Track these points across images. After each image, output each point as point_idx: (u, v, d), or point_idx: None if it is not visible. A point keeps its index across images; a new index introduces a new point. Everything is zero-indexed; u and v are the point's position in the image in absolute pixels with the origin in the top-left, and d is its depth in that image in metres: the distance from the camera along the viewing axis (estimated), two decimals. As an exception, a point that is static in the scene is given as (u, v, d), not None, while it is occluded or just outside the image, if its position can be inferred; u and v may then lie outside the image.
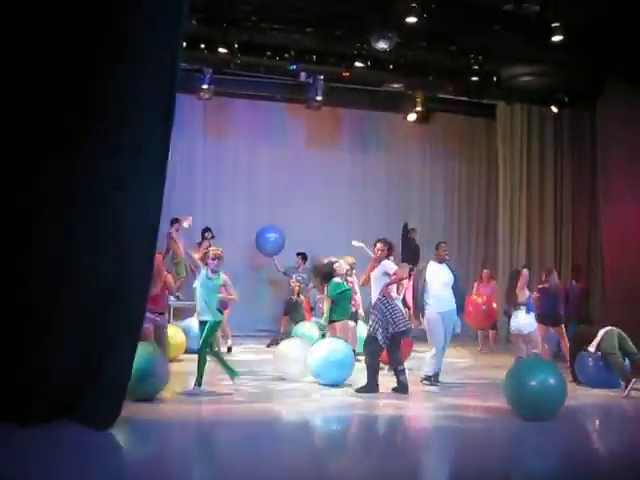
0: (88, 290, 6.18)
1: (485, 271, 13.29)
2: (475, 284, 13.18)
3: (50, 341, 6.09)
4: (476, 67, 12.48)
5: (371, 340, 8.36)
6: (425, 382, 8.83)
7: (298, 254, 12.32)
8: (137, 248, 6.26)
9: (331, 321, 9.23)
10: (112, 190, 6.15)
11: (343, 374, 8.63)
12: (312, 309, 11.28)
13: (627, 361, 8.72)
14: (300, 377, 8.85)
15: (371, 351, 8.35)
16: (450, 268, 9.24)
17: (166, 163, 6.26)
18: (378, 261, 8.71)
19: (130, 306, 6.28)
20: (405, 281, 9.64)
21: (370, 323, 8.47)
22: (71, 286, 6.15)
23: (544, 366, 7.46)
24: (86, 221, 6.16)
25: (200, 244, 11.53)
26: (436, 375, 8.87)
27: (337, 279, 9.39)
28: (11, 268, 6.06)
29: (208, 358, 8.00)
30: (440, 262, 9.20)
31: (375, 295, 8.60)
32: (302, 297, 10.67)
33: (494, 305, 12.52)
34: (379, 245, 8.80)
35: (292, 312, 11.16)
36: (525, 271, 9.70)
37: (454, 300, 8.99)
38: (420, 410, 8.06)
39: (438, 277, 9.02)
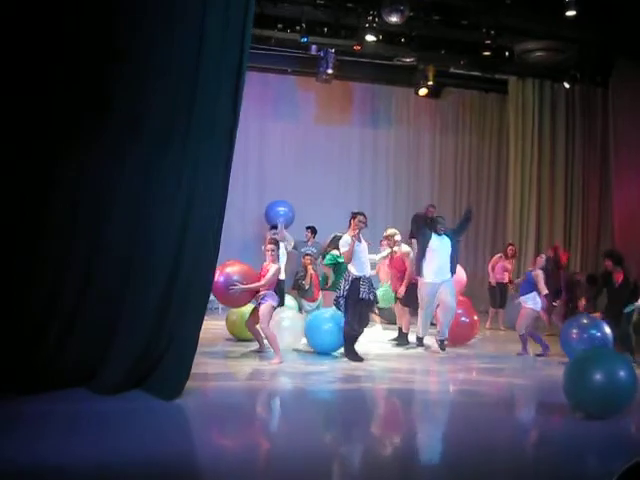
0: (157, 264, 6.55)
1: (511, 247, 13.04)
2: (497, 257, 12.94)
3: (123, 314, 6.54)
4: (488, 42, 12.38)
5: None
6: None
7: (307, 228, 12.31)
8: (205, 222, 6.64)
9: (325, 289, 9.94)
10: (177, 188, 6.57)
11: (336, 342, 9.02)
12: (321, 286, 11.29)
13: None
14: (293, 345, 9.38)
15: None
16: (450, 238, 9.73)
17: (230, 165, 6.66)
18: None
19: (197, 283, 6.60)
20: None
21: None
22: (141, 265, 6.58)
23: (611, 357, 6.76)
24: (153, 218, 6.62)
25: None
26: (420, 339, 9.90)
27: (335, 251, 9.94)
28: (89, 264, 6.52)
29: None
30: (438, 234, 9.70)
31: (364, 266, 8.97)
32: (312, 271, 10.68)
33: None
34: (361, 217, 9.01)
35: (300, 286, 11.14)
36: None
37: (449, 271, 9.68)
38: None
39: (435, 249, 9.64)
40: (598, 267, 14.80)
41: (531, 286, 9.67)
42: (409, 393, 7.61)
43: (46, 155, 6.36)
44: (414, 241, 10.67)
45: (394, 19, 10.93)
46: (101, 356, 6.51)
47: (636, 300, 9.13)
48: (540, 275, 9.65)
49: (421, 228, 10.00)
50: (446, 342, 9.72)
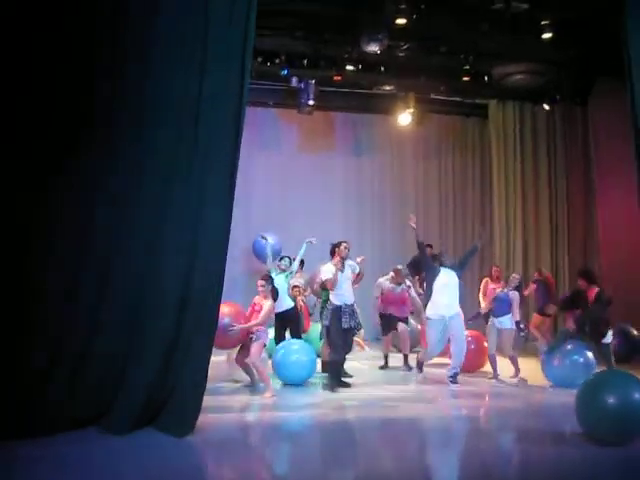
0: (166, 299, 6.62)
1: (495, 269, 13.06)
2: (484, 282, 12.97)
3: (131, 354, 6.58)
4: (467, 67, 12.51)
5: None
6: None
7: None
8: (212, 256, 6.71)
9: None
10: (184, 222, 6.73)
11: (304, 374, 9.05)
12: (311, 314, 11.22)
13: None
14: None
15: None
16: (456, 272, 9.58)
17: (232, 197, 6.84)
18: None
19: (205, 316, 6.65)
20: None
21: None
22: (150, 296, 6.65)
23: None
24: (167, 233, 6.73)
25: None
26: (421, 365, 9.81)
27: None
28: (98, 298, 6.56)
29: None
30: (445, 267, 9.57)
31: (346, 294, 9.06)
32: (301, 303, 10.60)
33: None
34: (345, 244, 9.19)
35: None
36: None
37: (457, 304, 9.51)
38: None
39: (444, 283, 9.45)
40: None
41: (508, 306, 9.64)
42: (408, 421, 7.50)
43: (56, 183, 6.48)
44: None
45: (373, 48, 10.99)
46: (112, 395, 6.52)
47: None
48: (517, 297, 9.69)
49: (428, 263, 9.87)
50: (458, 375, 9.43)
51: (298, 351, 9.05)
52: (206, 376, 6.62)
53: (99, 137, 6.64)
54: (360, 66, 12.33)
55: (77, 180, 6.58)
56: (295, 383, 9.02)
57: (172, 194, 6.74)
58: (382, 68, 12.67)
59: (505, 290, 9.86)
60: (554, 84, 13.57)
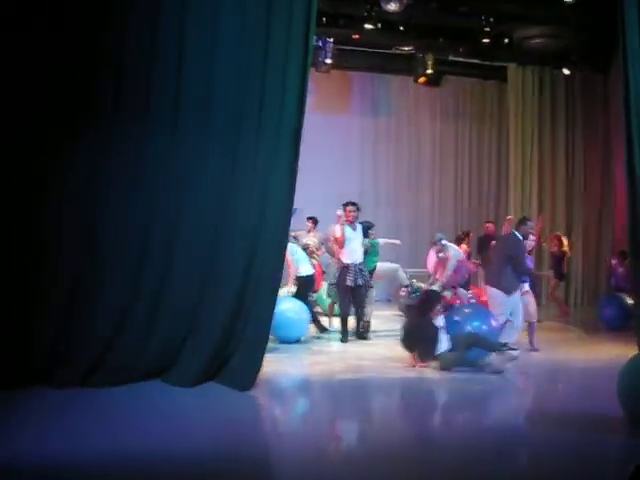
0: (232, 263, 6.92)
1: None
2: None
3: (198, 313, 6.93)
4: (487, 29, 12.34)
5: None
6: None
7: (309, 218, 12.29)
8: (276, 230, 7.02)
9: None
10: (250, 191, 6.99)
11: (296, 333, 9.29)
12: (324, 273, 11.28)
13: None
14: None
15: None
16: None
17: (297, 165, 7.05)
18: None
19: (267, 280, 6.93)
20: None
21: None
22: (219, 265, 6.97)
23: None
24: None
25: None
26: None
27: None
28: (167, 263, 6.91)
29: None
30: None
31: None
32: (315, 261, 10.65)
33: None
34: (351, 207, 9.41)
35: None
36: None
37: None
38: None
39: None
40: (599, 251, 14.90)
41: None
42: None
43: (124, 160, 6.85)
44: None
45: (392, 7, 10.87)
46: (179, 349, 6.87)
47: None
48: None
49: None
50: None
51: (291, 310, 9.18)
52: (268, 334, 7.04)
53: (166, 121, 6.89)
54: (379, 25, 12.18)
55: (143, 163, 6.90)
56: (289, 341, 9.16)
57: (236, 176, 7.01)
58: (401, 28, 12.55)
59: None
60: (575, 49, 13.39)
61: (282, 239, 7.11)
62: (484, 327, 8.17)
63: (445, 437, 5.74)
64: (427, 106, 15.77)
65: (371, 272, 10.09)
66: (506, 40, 12.91)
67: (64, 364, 6.46)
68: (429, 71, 14.23)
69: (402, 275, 11.52)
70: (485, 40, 12.78)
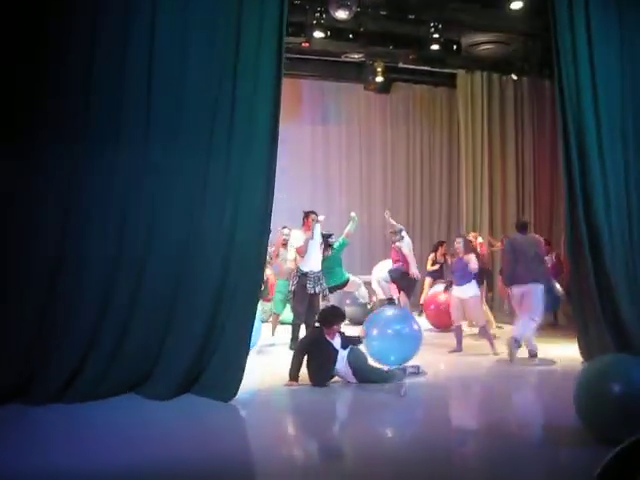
0: (209, 264, 6.96)
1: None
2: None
3: (176, 315, 6.91)
4: (436, 36, 12.38)
5: None
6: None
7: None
8: (254, 223, 7.04)
9: None
10: (224, 194, 7.06)
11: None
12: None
13: None
14: None
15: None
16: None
17: (274, 170, 7.13)
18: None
19: (246, 283, 6.95)
20: None
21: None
22: (192, 268, 6.99)
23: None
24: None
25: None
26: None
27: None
28: (141, 268, 6.89)
29: None
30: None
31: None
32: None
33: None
34: (313, 216, 9.44)
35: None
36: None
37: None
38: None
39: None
40: (551, 250, 14.99)
41: (467, 273, 9.29)
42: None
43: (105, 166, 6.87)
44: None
45: (342, 15, 10.85)
46: (154, 361, 6.81)
47: None
48: (472, 257, 9.37)
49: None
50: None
51: None
52: (249, 341, 6.95)
53: (140, 113, 6.98)
54: (329, 33, 12.14)
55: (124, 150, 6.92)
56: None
57: (211, 165, 7.08)
58: (351, 35, 12.51)
59: (459, 257, 9.48)
60: (522, 55, 13.54)
61: (260, 244, 7.06)
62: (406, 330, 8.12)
63: (394, 452, 5.47)
64: (378, 113, 15.80)
65: (343, 284, 10.13)
66: (455, 47, 12.97)
67: (38, 381, 6.38)
68: (379, 78, 14.26)
69: (363, 291, 11.57)
70: (434, 47, 12.83)
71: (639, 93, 8.95)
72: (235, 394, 6.62)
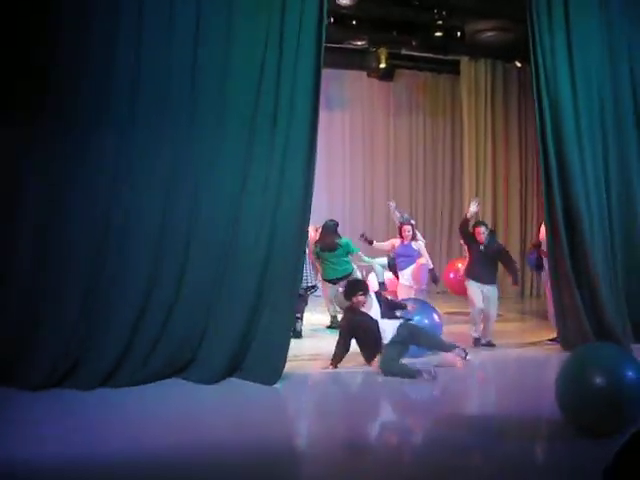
0: (251, 257, 7.06)
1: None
2: None
3: (221, 301, 7.05)
4: (440, 22, 12.34)
5: None
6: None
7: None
8: (295, 215, 7.17)
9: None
10: (267, 179, 7.16)
11: None
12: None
13: None
14: None
15: None
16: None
17: (315, 155, 7.24)
18: None
19: (288, 272, 7.06)
20: None
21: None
22: (236, 253, 7.11)
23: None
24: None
25: None
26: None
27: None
28: (186, 253, 7.03)
29: None
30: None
31: None
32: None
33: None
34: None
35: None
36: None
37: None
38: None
39: None
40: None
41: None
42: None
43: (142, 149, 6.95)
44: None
45: (345, 2, 10.81)
46: (198, 345, 6.94)
47: None
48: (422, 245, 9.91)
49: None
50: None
51: None
52: (291, 324, 7.22)
53: (183, 96, 7.08)
54: (332, 19, 12.07)
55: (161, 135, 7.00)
56: None
57: (254, 154, 7.18)
58: (354, 22, 12.45)
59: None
60: (526, 42, 13.43)
61: (301, 230, 7.18)
62: (426, 321, 8.18)
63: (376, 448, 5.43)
64: (381, 100, 15.74)
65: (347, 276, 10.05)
66: (458, 34, 12.90)
67: (83, 365, 6.48)
68: (382, 65, 14.21)
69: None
70: (438, 34, 12.79)
71: (619, 77, 9.01)
72: (279, 378, 6.75)
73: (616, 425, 4.86)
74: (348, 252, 10.22)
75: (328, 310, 10.58)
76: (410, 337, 7.50)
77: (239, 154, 7.17)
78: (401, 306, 8.05)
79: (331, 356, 7.52)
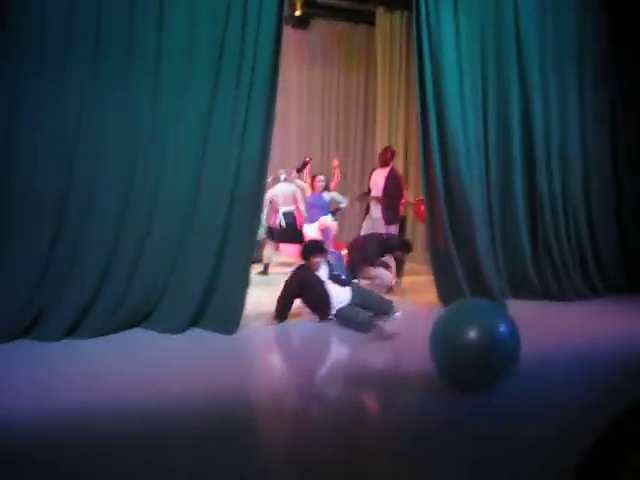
0: (214, 208, 7.28)
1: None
2: None
3: (184, 259, 7.26)
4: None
5: None
6: None
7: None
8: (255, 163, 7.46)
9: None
10: (230, 137, 7.41)
11: None
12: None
13: None
14: None
15: None
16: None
17: (273, 109, 7.66)
18: None
19: (247, 219, 7.30)
20: None
21: None
22: (200, 208, 7.33)
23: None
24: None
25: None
26: None
27: None
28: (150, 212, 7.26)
29: None
30: None
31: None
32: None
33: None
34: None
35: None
36: None
37: None
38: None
39: None
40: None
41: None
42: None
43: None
44: None
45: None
46: (160, 296, 7.17)
47: None
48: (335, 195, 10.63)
49: None
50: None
51: None
52: (248, 273, 7.28)
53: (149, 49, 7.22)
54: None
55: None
56: None
57: (216, 109, 7.43)
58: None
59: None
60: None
61: (259, 185, 7.38)
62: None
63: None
64: (294, 50, 15.34)
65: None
66: (375, -18, 12.66)
67: (48, 317, 6.59)
68: (297, 13, 13.85)
69: None
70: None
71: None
72: (236, 328, 6.98)
73: (484, 381, 4.95)
74: None
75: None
76: (363, 301, 7.58)
77: (203, 109, 7.39)
78: (339, 278, 8.09)
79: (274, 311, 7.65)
